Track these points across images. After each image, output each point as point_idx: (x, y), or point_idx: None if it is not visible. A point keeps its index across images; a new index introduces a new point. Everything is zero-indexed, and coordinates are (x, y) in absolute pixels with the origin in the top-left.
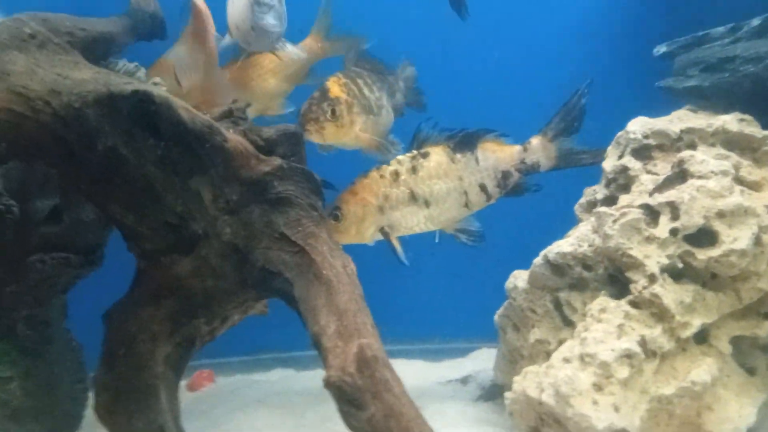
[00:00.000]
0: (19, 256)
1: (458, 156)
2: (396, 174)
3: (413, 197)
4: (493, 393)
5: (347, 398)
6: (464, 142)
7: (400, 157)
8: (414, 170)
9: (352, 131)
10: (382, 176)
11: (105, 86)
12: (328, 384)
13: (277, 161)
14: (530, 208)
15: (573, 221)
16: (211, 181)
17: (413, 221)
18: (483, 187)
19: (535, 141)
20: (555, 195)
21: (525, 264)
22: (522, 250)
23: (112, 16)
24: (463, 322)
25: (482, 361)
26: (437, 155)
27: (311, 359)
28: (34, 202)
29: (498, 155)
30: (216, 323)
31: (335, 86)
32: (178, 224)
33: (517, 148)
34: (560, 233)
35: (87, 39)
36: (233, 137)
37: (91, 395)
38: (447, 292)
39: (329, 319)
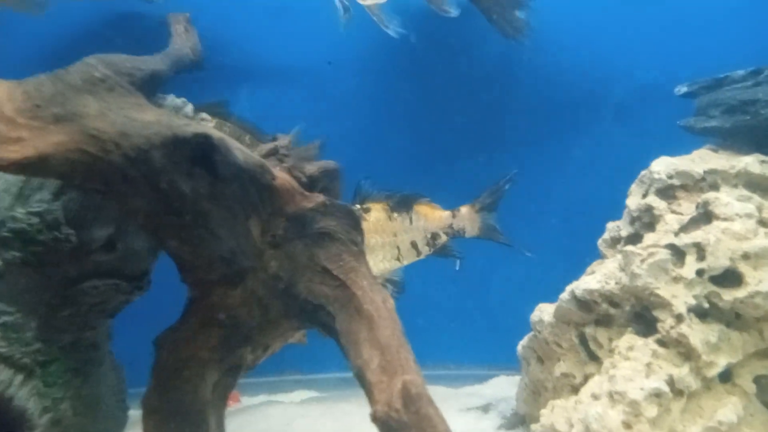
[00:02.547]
0: (75, 281)
1: (395, 215)
2: None
3: None
4: (514, 422)
5: None
6: (402, 202)
7: None
8: None
9: None
10: None
11: (169, 128)
12: (375, 419)
13: (320, 198)
14: (550, 240)
15: (593, 254)
16: (259, 217)
17: None
18: (414, 245)
19: (464, 210)
20: (575, 228)
21: (542, 292)
22: (539, 280)
23: (158, 53)
24: (481, 349)
25: (502, 390)
26: (377, 212)
27: (333, 381)
28: (90, 231)
29: (429, 218)
30: (259, 351)
31: None
32: (230, 258)
33: (447, 213)
34: (580, 266)
35: (143, 78)
36: (281, 175)
37: (130, 414)
38: (466, 318)
39: (372, 354)
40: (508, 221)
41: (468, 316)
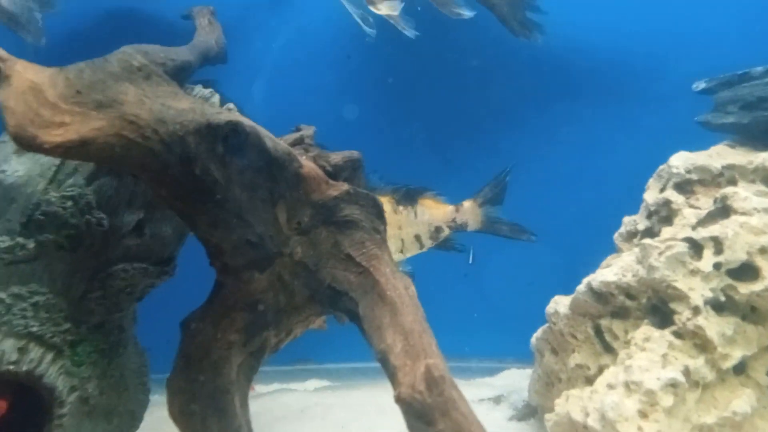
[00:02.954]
0: (105, 265)
1: (400, 208)
2: None
3: None
4: (526, 414)
5: (417, 414)
6: (407, 196)
7: None
8: None
9: None
10: None
11: (203, 116)
12: (399, 399)
13: (344, 186)
14: (562, 234)
15: (607, 249)
16: (286, 204)
17: None
18: (417, 238)
19: (467, 204)
20: (588, 223)
21: (553, 287)
22: (550, 275)
23: (185, 45)
24: (492, 342)
25: (513, 382)
26: (383, 205)
27: (345, 371)
28: (121, 216)
29: (433, 212)
30: (282, 335)
31: None
32: (257, 243)
33: (450, 208)
34: (593, 261)
35: (175, 68)
36: (307, 163)
37: (152, 398)
38: (477, 311)
39: (395, 338)
40: (522, 215)
41: (479, 309)
